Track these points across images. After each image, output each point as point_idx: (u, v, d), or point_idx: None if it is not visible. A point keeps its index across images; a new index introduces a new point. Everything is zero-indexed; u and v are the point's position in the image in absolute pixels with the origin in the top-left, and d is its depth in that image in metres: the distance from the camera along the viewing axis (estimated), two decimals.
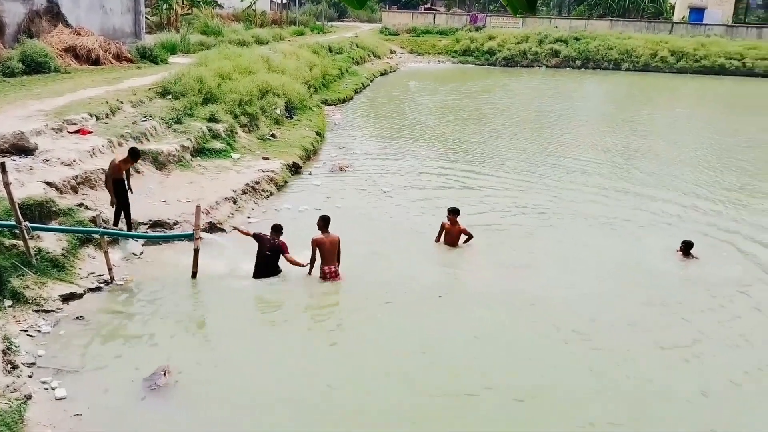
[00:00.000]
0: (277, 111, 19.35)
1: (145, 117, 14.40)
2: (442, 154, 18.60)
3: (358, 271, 9.73)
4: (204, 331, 8.29)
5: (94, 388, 6.71)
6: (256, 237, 9.58)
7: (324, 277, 9.44)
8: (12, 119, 12.35)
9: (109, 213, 10.16)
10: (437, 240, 11.09)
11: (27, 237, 8.39)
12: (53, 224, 9.34)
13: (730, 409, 7.07)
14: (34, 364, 6.95)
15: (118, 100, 14.95)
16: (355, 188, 14.46)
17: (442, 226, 11.10)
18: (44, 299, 8.05)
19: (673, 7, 64.87)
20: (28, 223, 8.46)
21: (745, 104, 34.43)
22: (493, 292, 9.46)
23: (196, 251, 9.17)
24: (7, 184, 8.17)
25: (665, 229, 12.57)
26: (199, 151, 14.46)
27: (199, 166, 13.85)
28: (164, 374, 6.82)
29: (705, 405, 7.08)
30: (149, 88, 16.71)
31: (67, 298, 8.32)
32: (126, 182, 10.33)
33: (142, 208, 10.84)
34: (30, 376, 6.71)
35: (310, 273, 9.54)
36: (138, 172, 12.02)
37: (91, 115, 13.46)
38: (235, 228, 10.22)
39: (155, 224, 10.75)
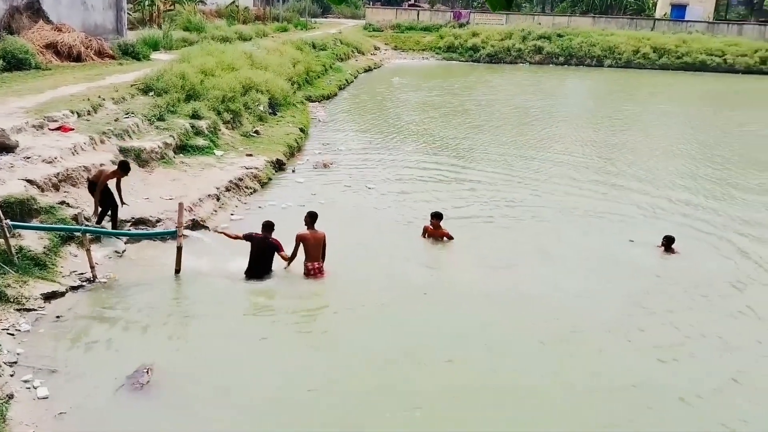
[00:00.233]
0: (261, 107, 19.29)
1: (127, 114, 14.28)
2: (426, 149, 18.67)
3: (343, 268, 9.73)
4: (187, 329, 8.25)
5: (76, 386, 6.68)
6: (248, 237, 9.44)
7: (307, 273, 9.41)
8: None
9: (91, 210, 10.10)
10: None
11: (8, 235, 8.33)
12: (35, 222, 9.28)
13: (724, 409, 7.04)
14: (15, 363, 6.91)
15: (99, 96, 14.82)
16: (339, 184, 14.47)
17: (425, 230, 11.14)
18: (26, 298, 7.99)
19: (655, 4, 65.56)
20: (9, 221, 8.39)
21: (725, 100, 34.82)
22: (478, 289, 9.48)
23: (179, 248, 9.16)
24: None
25: (647, 223, 12.70)
26: (182, 148, 14.38)
27: (182, 163, 13.78)
28: (147, 372, 6.82)
29: (699, 405, 7.05)
30: (131, 85, 16.58)
31: (49, 296, 8.27)
32: (118, 194, 10.39)
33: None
34: (12, 375, 6.66)
35: (287, 267, 9.49)
36: None
37: (72, 112, 13.33)
38: (221, 232, 9.98)
39: (138, 222, 10.71)
